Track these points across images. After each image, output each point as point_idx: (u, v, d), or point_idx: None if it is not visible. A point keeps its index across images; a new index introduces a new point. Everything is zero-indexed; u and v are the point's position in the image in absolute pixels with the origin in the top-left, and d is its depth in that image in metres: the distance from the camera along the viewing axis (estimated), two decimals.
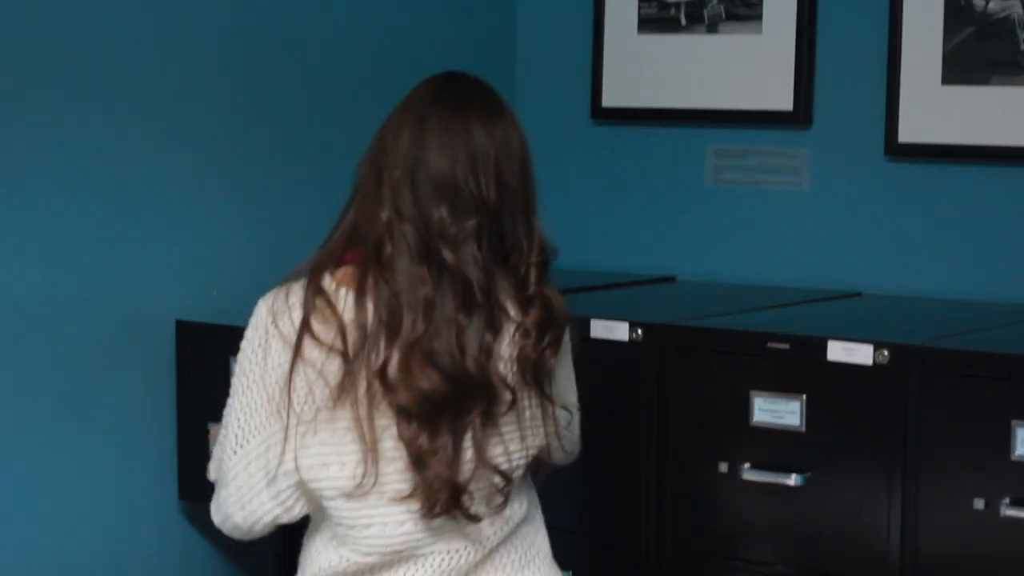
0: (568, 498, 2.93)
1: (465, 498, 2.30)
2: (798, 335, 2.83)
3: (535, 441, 2.39)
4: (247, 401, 2.34)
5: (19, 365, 2.97)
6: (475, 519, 2.32)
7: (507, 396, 2.31)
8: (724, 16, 3.60)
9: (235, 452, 2.34)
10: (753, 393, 2.82)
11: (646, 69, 3.72)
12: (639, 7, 3.70)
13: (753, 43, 3.58)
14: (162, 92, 3.17)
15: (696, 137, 3.69)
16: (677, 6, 3.65)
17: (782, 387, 2.80)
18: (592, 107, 3.80)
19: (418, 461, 2.28)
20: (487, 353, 2.29)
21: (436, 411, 2.27)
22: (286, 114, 3.41)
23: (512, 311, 2.33)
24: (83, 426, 3.07)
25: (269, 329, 2.33)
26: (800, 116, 3.53)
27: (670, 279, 3.69)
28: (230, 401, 2.36)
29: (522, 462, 2.38)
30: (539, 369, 2.36)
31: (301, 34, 3.43)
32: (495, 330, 2.30)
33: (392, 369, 2.26)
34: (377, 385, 2.26)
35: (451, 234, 2.27)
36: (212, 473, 2.41)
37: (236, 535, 2.40)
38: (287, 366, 2.30)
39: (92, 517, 3.11)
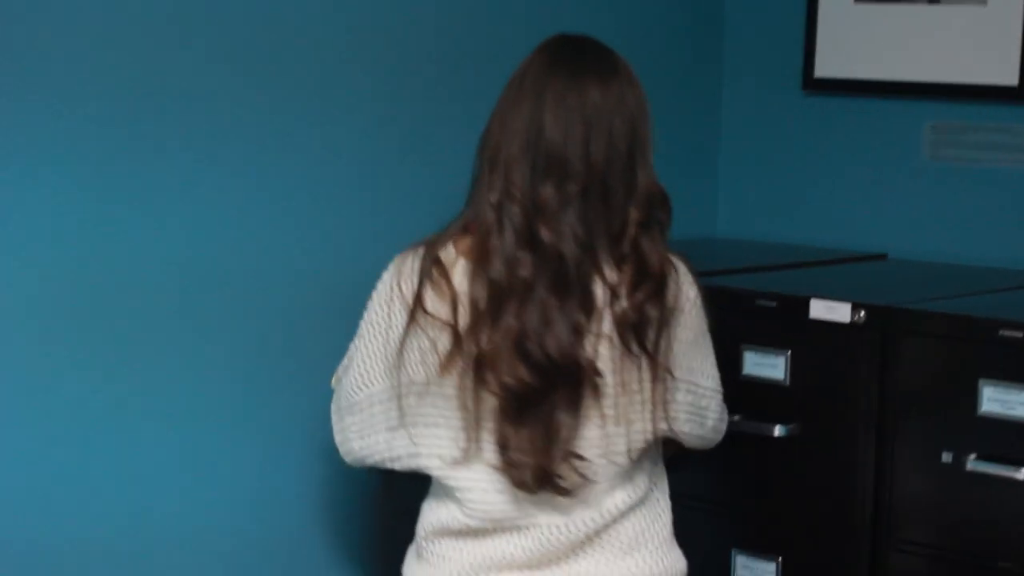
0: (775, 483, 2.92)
1: (556, 479, 2.32)
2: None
3: (644, 424, 2.37)
4: (372, 349, 2.44)
5: (237, 332, 2.98)
6: (566, 493, 2.34)
7: (597, 380, 2.31)
8: None
9: (360, 389, 2.44)
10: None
11: (862, 40, 3.60)
12: None
13: (977, 14, 3.44)
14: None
15: (913, 111, 3.57)
16: None
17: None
18: (804, 77, 3.69)
19: (502, 446, 2.33)
20: (578, 335, 2.29)
21: (521, 404, 2.30)
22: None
23: (609, 274, 2.32)
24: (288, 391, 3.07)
25: (394, 289, 2.40)
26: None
27: (881, 256, 3.58)
28: (356, 341, 2.48)
29: (625, 446, 2.37)
30: (640, 331, 2.33)
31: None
32: (588, 310, 2.30)
33: (486, 358, 2.31)
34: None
35: (552, 209, 2.29)
36: (334, 382, 2.56)
37: (348, 460, 2.54)
38: (404, 328, 2.36)
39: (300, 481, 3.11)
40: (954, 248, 3.51)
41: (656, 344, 2.35)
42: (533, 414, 2.31)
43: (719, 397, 2.57)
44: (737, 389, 2.82)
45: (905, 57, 3.55)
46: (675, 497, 2.57)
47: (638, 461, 2.43)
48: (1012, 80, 3.40)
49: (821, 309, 2.86)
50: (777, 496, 2.94)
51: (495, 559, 2.41)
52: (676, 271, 2.40)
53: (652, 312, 2.34)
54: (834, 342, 2.86)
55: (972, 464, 2.69)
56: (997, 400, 2.68)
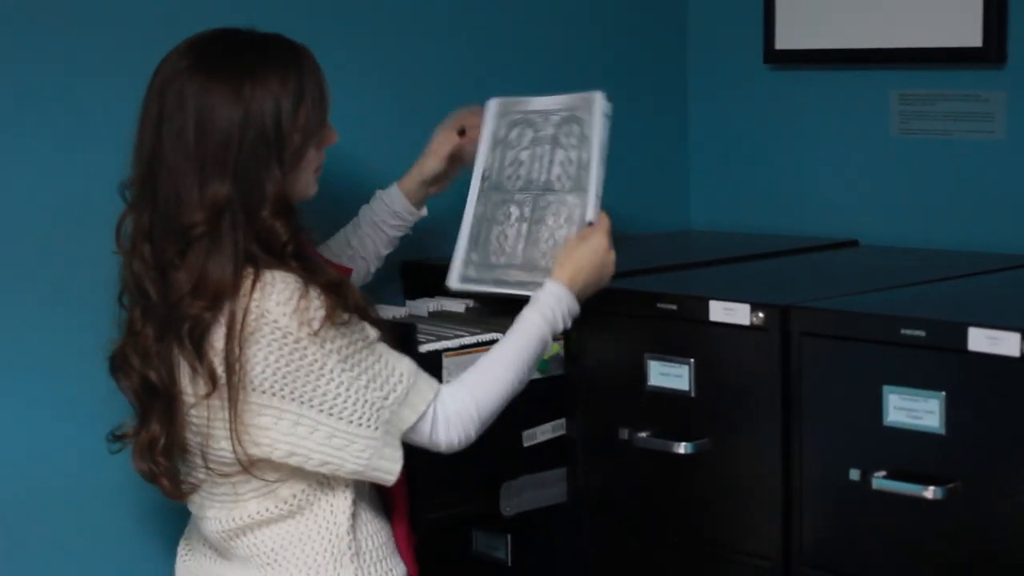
0: None
1: None
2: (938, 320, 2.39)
3: None
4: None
5: None
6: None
7: None
8: None
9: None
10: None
11: (822, 7, 3.28)
12: None
13: None
14: None
15: (879, 81, 3.23)
16: None
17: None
18: (765, 50, 3.38)
19: None
20: None
21: None
22: None
23: None
24: None
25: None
26: (991, 53, 3.04)
27: (852, 243, 3.25)
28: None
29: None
30: None
31: None
32: None
33: None
34: None
35: None
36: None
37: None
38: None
39: None
40: (928, 232, 3.17)
41: None
42: None
43: None
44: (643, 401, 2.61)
45: (867, 22, 3.22)
46: None
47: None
48: (975, 41, 3.05)
49: (720, 311, 2.57)
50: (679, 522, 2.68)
51: None
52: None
53: None
54: (735, 347, 2.56)
55: (879, 483, 2.38)
56: (903, 409, 2.37)
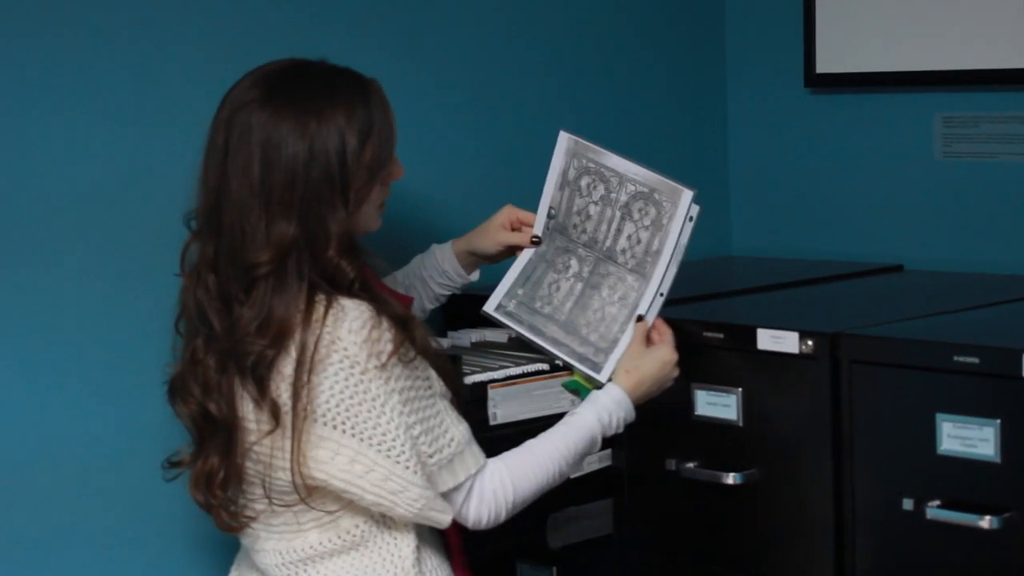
0: None
1: None
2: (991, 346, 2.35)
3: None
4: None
5: None
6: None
7: None
8: None
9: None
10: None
11: (865, 28, 3.25)
12: None
13: None
14: None
15: (922, 104, 3.20)
16: None
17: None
18: (806, 74, 3.35)
19: None
20: None
21: None
22: None
23: None
24: None
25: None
26: None
27: (898, 268, 3.22)
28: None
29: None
30: None
31: None
32: None
33: None
34: None
35: None
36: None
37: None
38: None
39: None
40: (974, 256, 3.13)
41: None
42: None
43: None
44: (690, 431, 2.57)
45: (912, 44, 3.18)
46: None
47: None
48: (1021, 62, 3.02)
49: (768, 340, 2.53)
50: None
51: None
52: None
53: None
54: (784, 376, 2.53)
55: (933, 513, 2.34)
56: (957, 437, 2.33)
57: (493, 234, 2.70)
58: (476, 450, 2.31)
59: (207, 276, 2.27)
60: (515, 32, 3.20)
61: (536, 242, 2.65)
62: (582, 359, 2.54)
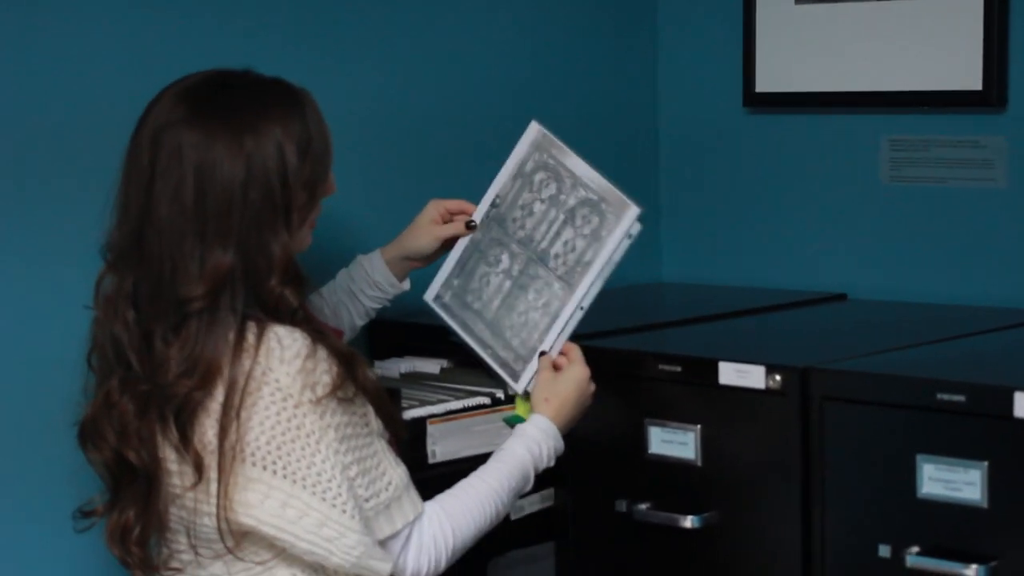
0: None
1: None
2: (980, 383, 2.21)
3: None
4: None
5: None
6: None
7: None
8: None
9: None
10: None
11: (807, 46, 3.11)
12: None
13: (933, 9, 2.94)
14: None
15: (868, 126, 3.07)
16: None
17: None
18: (744, 93, 3.21)
19: None
20: None
21: None
22: None
23: None
24: None
25: None
26: (992, 96, 2.88)
27: (840, 297, 3.08)
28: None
29: None
30: None
31: None
32: None
33: None
34: None
35: None
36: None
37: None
38: None
39: None
40: (919, 286, 3.01)
41: None
42: None
43: None
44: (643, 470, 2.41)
45: (856, 63, 3.06)
46: None
47: None
48: (975, 84, 2.90)
49: (731, 374, 2.37)
50: None
51: None
52: None
53: None
54: (747, 412, 2.37)
55: (913, 560, 2.20)
56: (939, 480, 2.19)
57: (426, 231, 2.57)
58: (414, 495, 2.13)
59: (125, 311, 2.07)
60: (432, 40, 3.04)
61: (472, 226, 2.54)
62: (503, 364, 2.44)
